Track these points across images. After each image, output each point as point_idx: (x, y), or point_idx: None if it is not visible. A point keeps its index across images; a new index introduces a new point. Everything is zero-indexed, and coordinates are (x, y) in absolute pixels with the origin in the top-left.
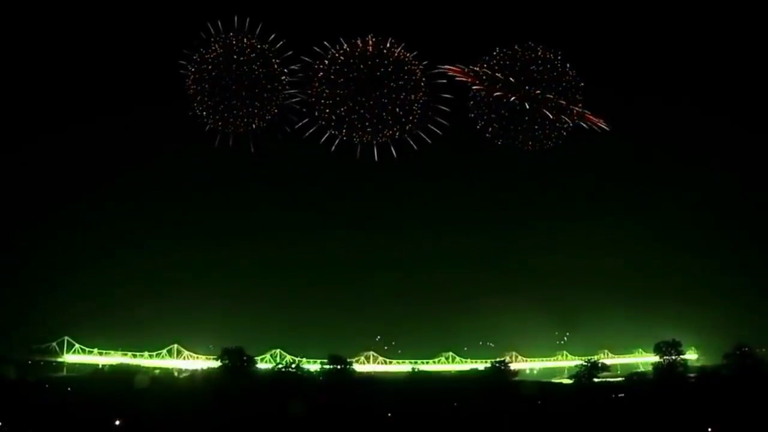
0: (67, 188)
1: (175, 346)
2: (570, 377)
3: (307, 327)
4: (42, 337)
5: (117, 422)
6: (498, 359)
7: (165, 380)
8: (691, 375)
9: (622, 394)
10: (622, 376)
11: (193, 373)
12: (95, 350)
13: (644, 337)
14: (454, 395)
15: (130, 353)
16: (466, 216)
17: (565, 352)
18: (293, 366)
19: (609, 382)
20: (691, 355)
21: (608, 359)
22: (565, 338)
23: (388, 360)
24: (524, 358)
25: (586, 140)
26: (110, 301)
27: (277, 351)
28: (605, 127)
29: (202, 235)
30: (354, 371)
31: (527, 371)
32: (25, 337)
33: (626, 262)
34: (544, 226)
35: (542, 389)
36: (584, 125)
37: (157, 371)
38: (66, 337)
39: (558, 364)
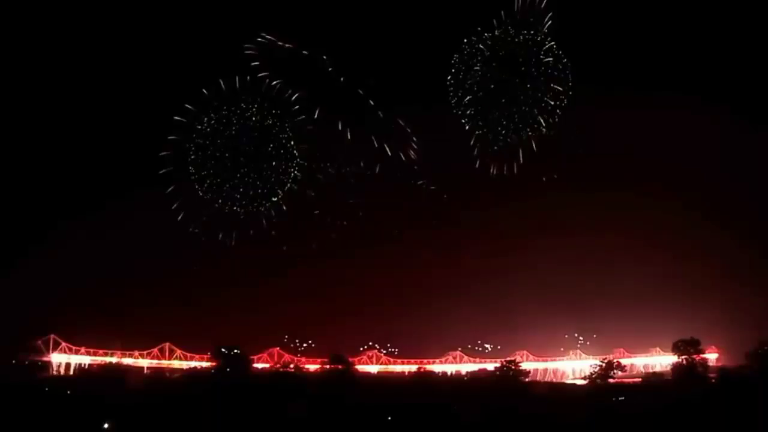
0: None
1: (167, 344)
2: (584, 377)
3: (307, 325)
4: (27, 335)
5: (106, 425)
6: (508, 359)
7: (156, 380)
8: (712, 375)
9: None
10: (639, 377)
11: (186, 372)
12: (83, 349)
13: (662, 335)
14: (458, 396)
15: (119, 352)
16: (469, 216)
17: (579, 351)
18: (292, 366)
19: (625, 382)
20: (711, 354)
21: (624, 358)
22: (580, 337)
23: (392, 359)
24: (535, 358)
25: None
26: (98, 298)
27: (275, 350)
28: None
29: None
30: (356, 371)
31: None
32: (8, 336)
33: (641, 259)
34: (556, 225)
35: (553, 390)
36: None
37: (148, 371)
38: (52, 336)
39: (571, 364)
